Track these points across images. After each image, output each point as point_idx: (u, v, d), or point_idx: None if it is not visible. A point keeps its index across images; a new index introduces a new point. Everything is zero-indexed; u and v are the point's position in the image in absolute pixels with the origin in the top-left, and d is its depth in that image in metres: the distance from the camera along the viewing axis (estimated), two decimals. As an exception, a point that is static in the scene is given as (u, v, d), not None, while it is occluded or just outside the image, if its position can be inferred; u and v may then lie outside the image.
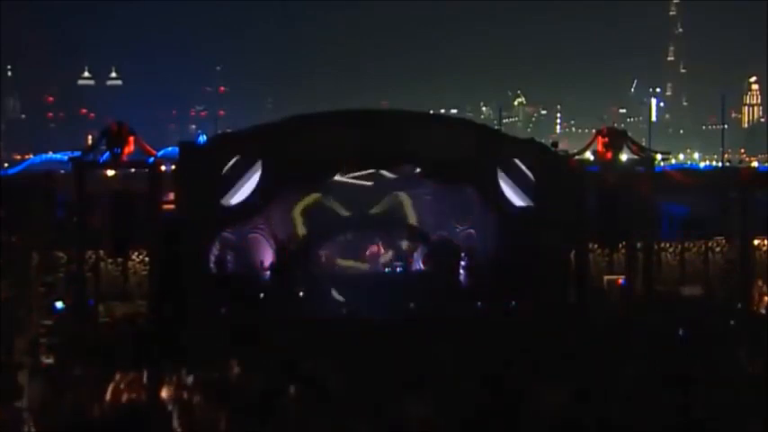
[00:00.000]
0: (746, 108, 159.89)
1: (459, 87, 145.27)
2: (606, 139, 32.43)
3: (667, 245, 33.62)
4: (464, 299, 31.14)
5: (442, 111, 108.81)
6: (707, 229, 33.91)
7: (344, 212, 34.47)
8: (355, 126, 32.50)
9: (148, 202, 31.24)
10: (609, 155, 32.33)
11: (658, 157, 33.71)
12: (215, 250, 32.27)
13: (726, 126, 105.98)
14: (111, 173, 31.51)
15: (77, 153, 31.50)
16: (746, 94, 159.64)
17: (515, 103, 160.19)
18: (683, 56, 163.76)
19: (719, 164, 75.37)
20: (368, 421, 18.37)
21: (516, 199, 32.73)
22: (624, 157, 32.98)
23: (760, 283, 32.25)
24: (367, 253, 34.54)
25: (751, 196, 33.07)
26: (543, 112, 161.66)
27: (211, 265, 31.70)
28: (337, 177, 33.79)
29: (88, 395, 20.82)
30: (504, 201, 32.76)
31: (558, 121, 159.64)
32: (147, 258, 31.28)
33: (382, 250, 34.52)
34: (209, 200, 31.62)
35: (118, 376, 21.23)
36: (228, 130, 54.48)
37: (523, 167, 32.62)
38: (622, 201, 32.16)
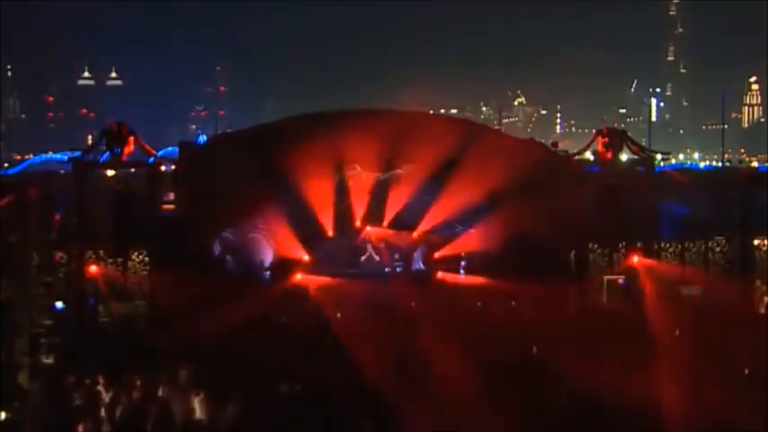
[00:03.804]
0: (746, 108, 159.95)
1: (460, 87, 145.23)
2: (606, 139, 32.44)
3: (667, 245, 33.59)
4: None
5: (442, 111, 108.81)
6: (707, 229, 33.89)
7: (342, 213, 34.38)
8: (355, 126, 32.51)
9: (148, 202, 31.23)
10: (609, 155, 32.34)
11: (658, 157, 33.73)
12: (215, 250, 32.28)
13: (726, 126, 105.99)
14: (111, 173, 31.48)
15: (77, 153, 31.48)
16: (746, 94, 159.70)
17: (515, 103, 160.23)
18: (683, 56, 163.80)
19: (719, 164, 75.40)
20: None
21: (516, 199, 32.70)
22: (624, 157, 32.99)
23: (759, 282, 32.23)
24: (362, 258, 34.32)
25: (751, 196, 33.08)
26: (543, 112, 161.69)
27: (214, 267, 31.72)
28: (337, 177, 33.74)
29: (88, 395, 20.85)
30: (503, 200, 32.76)
31: (558, 121, 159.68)
32: (147, 258, 31.24)
33: (375, 255, 34.24)
34: (209, 200, 31.62)
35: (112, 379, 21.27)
36: (228, 130, 54.56)
37: (524, 168, 32.62)
38: (622, 201, 32.16)
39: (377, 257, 33.97)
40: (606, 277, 31.92)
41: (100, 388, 21.04)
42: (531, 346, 23.72)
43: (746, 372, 21.80)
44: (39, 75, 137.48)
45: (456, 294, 31.09)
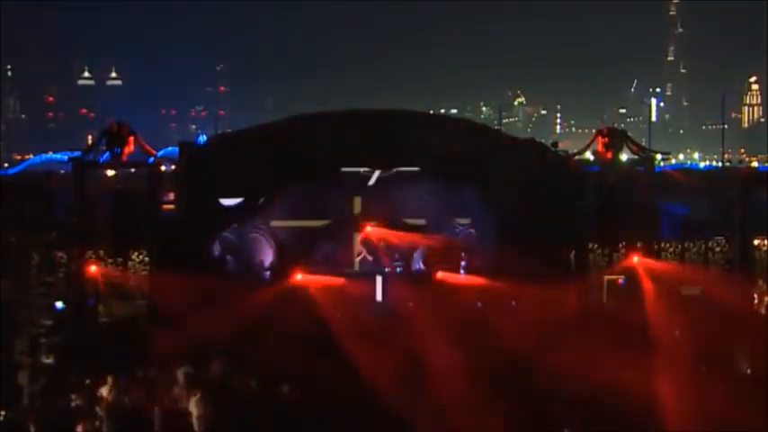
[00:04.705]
0: (746, 108, 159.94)
1: (459, 87, 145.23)
2: (606, 139, 32.43)
3: (667, 245, 33.59)
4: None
5: (442, 111, 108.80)
6: (707, 229, 33.90)
7: (343, 213, 34.36)
8: (355, 126, 32.53)
9: (148, 202, 31.21)
10: (609, 155, 32.33)
11: (658, 157, 33.71)
12: (215, 250, 32.29)
13: (726, 126, 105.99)
14: (111, 173, 31.46)
15: (77, 153, 31.46)
16: (746, 94, 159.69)
17: (515, 103, 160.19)
18: (683, 56, 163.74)
19: (719, 164, 75.46)
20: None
21: (516, 199, 32.78)
22: (624, 157, 32.98)
23: (760, 282, 32.21)
24: (357, 258, 34.25)
25: (751, 196, 33.09)
26: (543, 112, 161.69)
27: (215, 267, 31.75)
28: (337, 177, 33.77)
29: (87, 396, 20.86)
30: (504, 200, 32.82)
31: (558, 121, 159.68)
32: (147, 258, 31.22)
33: (366, 254, 34.17)
34: (209, 200, 31.65)
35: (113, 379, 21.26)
36: (228, 130, 54.53)
37: (522, 168, 32.70)
38: (622, 201, 32.16)
39: (370, 258, 33.95)
40: (606, 277, 31.89)
41: (101, 388, 21.05)
42: (529, 346, 23.69)
43: (748, 372, 21.82)
44: (39, 75, 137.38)
45: (456, 294, 31.04)
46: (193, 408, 20.01)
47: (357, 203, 34.10)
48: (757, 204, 32.93)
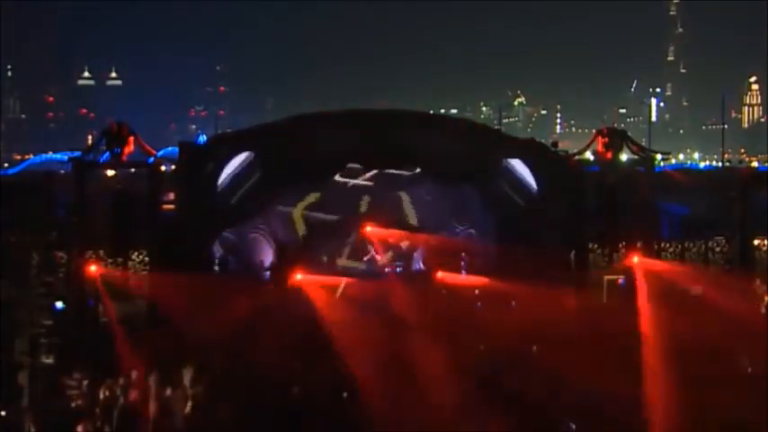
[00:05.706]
0: (746, 108, 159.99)
1: (460, 87, 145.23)
2: (606, 139, 32.41)
3: (667, 245, 33.58)
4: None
5: (442, 111, 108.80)
6: (707, 229, 33.89)
7: (343, 213, 34.37)
8: (355, 126, 32.55)
9: (148, 202, 31.20)
10: (609, 155, 32.32)
11: (658, 157, 33.70)
12: (216, 251, 32.31)
13: (726, 126, 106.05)
14: (111, 173, 31.43)
15: (77, 153, 31.44)
16: (746, 94, 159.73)
17: (515, 103, 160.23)
18: (683, 56, 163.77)
19: (719, 164, 75.53)
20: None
21: (516, 199, 32.80)
22: (624, 157, 32.97)
23: (758, 282, 32.19)
24: (365, 257, 34.28)
25: (751, 196, 33.07)
26: (543, 112, 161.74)
27: (215, 267, 31.80)
28: (337, 177, 33.83)
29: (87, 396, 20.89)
30: (504, 200, 32.84)
31: (558, 121, 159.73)
32: (147, 258, 31.20)
33: (377, 254, 34.21)
34: (209, 200, 31.66)
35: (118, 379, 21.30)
36: (228, 130, 54.56)
37: (523, 167, 32.75)
38: (622, 201, 32.15)
39: (378, 257, 33.98)
40: (606, 277, 31.88)
41: (101, 388, 21.07)
42: (530, 345, 23.73)
43: (749, 371, 21.84)
44: (39, 75, 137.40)
45: (456, 294, 31.05)
46: (192, 407, 20.03)
47: (365, 203, 34.12)
48: (757, 204, 32.91)
